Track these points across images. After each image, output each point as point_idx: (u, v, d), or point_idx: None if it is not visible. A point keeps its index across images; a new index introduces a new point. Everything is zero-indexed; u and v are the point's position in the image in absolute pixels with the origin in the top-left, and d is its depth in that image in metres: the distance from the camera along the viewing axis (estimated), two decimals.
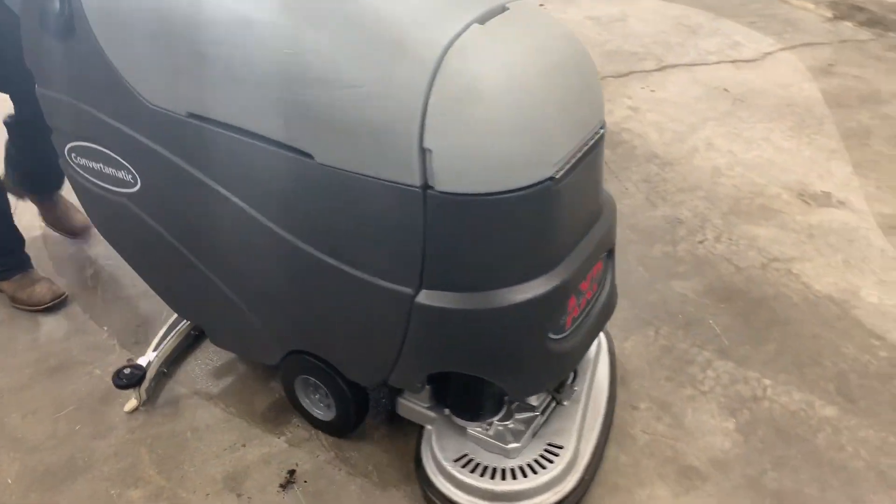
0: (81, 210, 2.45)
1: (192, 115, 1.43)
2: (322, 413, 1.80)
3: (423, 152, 1.22)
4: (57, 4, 1.51)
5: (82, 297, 2.41)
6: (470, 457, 1.58)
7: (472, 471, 1.55)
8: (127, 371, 1.86)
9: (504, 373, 1.44)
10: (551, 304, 1.38)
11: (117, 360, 2.11)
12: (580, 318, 1.52)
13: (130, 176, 1.63)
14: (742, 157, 3.22)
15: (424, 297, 1.36)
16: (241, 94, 1.34)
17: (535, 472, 1.54)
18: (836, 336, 2.20)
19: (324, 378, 1.70)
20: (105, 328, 2.26)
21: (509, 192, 1.24)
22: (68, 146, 1.73)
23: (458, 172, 1.22)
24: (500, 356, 1.42)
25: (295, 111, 1.29)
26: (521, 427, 1.60)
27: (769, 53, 4.39)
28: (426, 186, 1.25)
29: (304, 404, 1.83)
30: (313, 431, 1.87)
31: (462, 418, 1.60)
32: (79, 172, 1.75)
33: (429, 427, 1.67)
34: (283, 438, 1.86)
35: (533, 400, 1.65)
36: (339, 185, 1.32)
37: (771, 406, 1.96)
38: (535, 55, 1.30)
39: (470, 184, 1.23)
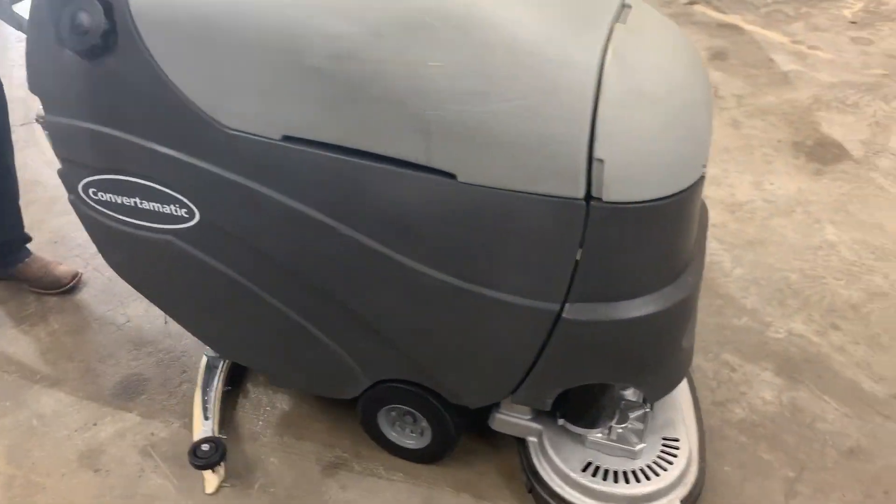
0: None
1: (289, 139, 1.26)
2: (414, 442, 1.70)
3: (592, 163, 1.15)
4: (86, 18, 1.27)
5: None
6: (595, 464, 1.55)
7: (605, 478, 1.52)
8: (205, 448, 1.64)
9: (646, 377, 1.42)
10: (692, 302, 1.38)
11: None
12: None
13: (185, 210, 1.42)
14: None
15: (571, 312, 1.29)
16: (367, 114, 1.19)
17: (663, 469, 1.54)
18: None
19: (420, 405, 1.59)
20: None
21: (672, 195, 1.21)
22: (85, 181, 1.47)
23: (628, 181, 1.17)
24: (645, 361, 1.39)
25: (439, 128, 1.17)
26: (638, 426, 1.58)
27: None
28: (590, 197, 1.18)
29: (390, 437, 1.71)
30: (165, 401, 1.92)
31: (581, 426, 1.57)
32: (98, 209, 1.50)
33: (532, 439, 1.62)
34: (135, 413, 1.90)
35: (632, 395, 1.64)
36: (484, 204, 1.22)
37: None
38: (675, 51, 1.26)
39: (639, 192, 1.18)
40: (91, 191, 1.49)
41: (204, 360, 1.88)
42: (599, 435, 1.57)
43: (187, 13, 1.22)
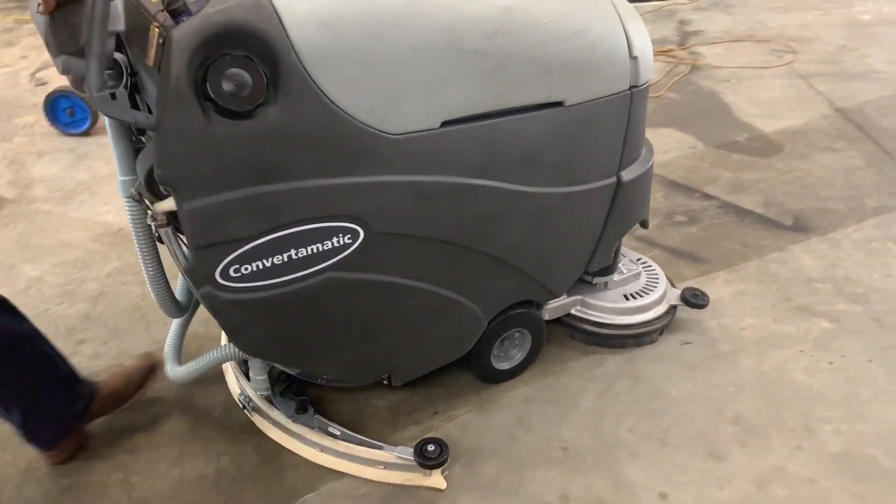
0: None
1: (446, 123, 1.47)
2: (520, 357, 2.02)
3: (632, 60, 1.69)
4: (239, 78, 1.24)
5: None
6: (629, 293, 2.11)
7: (641, 296, 2.10)
8: (431, 448, 1.69)
9: (648, 208, 2.03)
10: None
11: None
12: None
13: (348, 236, 1.46)
14: None
15: (625, 175, 1.83)
16: (510, 75, 1.50)
17: (657, 274, 2.20)
18: None
19: (522, 320, 1.93)
20: None
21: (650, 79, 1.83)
22: (226, 261, 1.37)
23: (645, 69, 1.74)
24: (648, 197, 2.00)
25: (556, 67, 1.55)
26: (624, 257, 2.19)
27: None
28: (632, 87, 1.72)
29: (503, 368, 1.99)
30: None
31: (608, 275, 2.09)
32: (239, 288, 1.41)
33: (577, 307, 2.09)
34: None
35: None
36: (580, 116, 1.65)
37: None
38: None
39: (647, 75, 1.76)
40: (232, 269, 1.39)
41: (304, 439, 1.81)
42: (617, 276, 2.13)
43: (359, 37, 1.33)
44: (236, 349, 1.77)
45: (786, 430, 1.87)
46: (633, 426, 1.90)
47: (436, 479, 1.72)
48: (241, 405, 1.91)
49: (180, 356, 1.92)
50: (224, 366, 2.07)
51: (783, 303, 2.32)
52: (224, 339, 2.17)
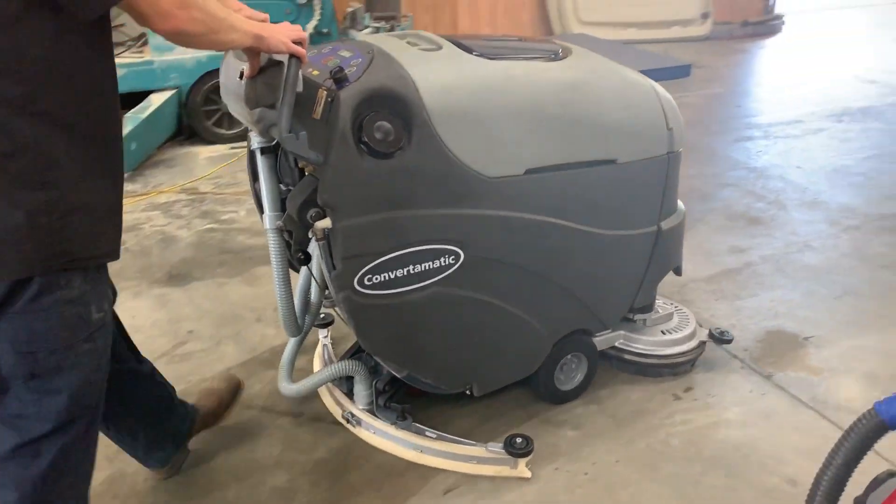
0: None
1: (529, 171, 1.89)
2: (579, 380, 2.34)
3: (668, 131, 2.13)
4: (387, 127, 1.67)
5: None
6: (665, 329, 2.46)
7: (676, 332, 2.45)
8: (518, 440, 2.01)
9: (682, 254, 2.42)
10: None
11: None
12: None
13: (452, 257, 1.85)
14: None
15: (664, 225, 2.23)
16: (579, 136, 1.95)
17: (686, 315, 2.56)
18: None
19: (582, 346, 2.28)
20: None
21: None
22: (362, 271, 1.76)
23: (679, 138, 2.18)
24: (682, 243, 2.40)
25: (612, 132, 2.00)
26: (658, 298, 2.55)
27: None
28: (669, 152, 2.15)
29: (565, 389, 2.32)
30: None
31: (647, 313, 2.45)
32: (369, 294, 1.79)
33: (621, 341, 2.44)
34: None
35: None
36: (629, 173, 2.09)
37: None
38: None
39: (681, 144, 2.20)
40: (366, 278, 1.77)
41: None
42: (654, 314, 2.49)
43: (470, 101, 1.78)
44: (343, 368, 2.13)
45: None
46: None
47: (521, 470, 2.04)
48: (344, 421, 2.24)
49: (292, 375, 2.26)
50: (321, 392, 2.41)
51: (528, 419, 2.31)
52: (318, 364, 2.53)
